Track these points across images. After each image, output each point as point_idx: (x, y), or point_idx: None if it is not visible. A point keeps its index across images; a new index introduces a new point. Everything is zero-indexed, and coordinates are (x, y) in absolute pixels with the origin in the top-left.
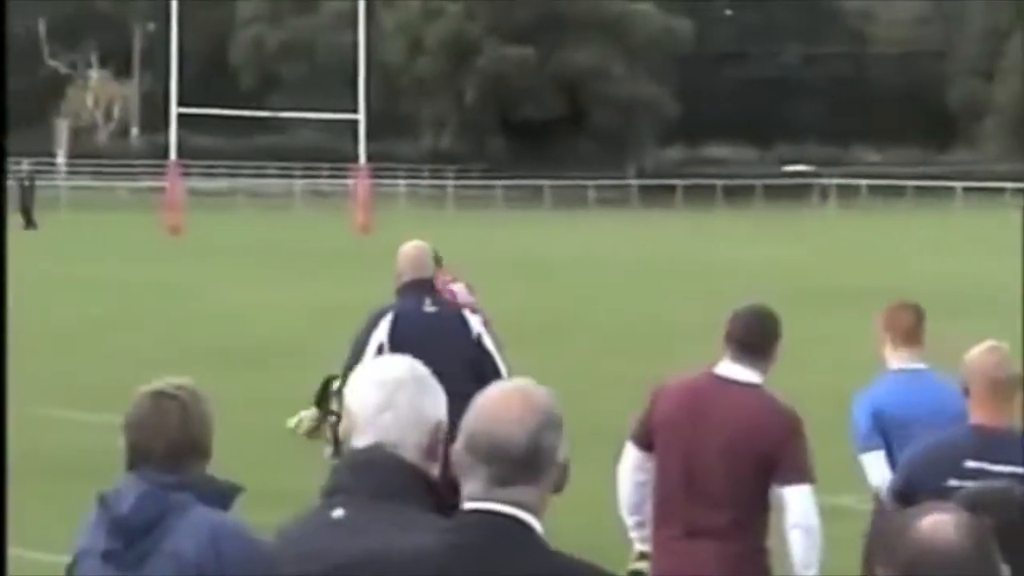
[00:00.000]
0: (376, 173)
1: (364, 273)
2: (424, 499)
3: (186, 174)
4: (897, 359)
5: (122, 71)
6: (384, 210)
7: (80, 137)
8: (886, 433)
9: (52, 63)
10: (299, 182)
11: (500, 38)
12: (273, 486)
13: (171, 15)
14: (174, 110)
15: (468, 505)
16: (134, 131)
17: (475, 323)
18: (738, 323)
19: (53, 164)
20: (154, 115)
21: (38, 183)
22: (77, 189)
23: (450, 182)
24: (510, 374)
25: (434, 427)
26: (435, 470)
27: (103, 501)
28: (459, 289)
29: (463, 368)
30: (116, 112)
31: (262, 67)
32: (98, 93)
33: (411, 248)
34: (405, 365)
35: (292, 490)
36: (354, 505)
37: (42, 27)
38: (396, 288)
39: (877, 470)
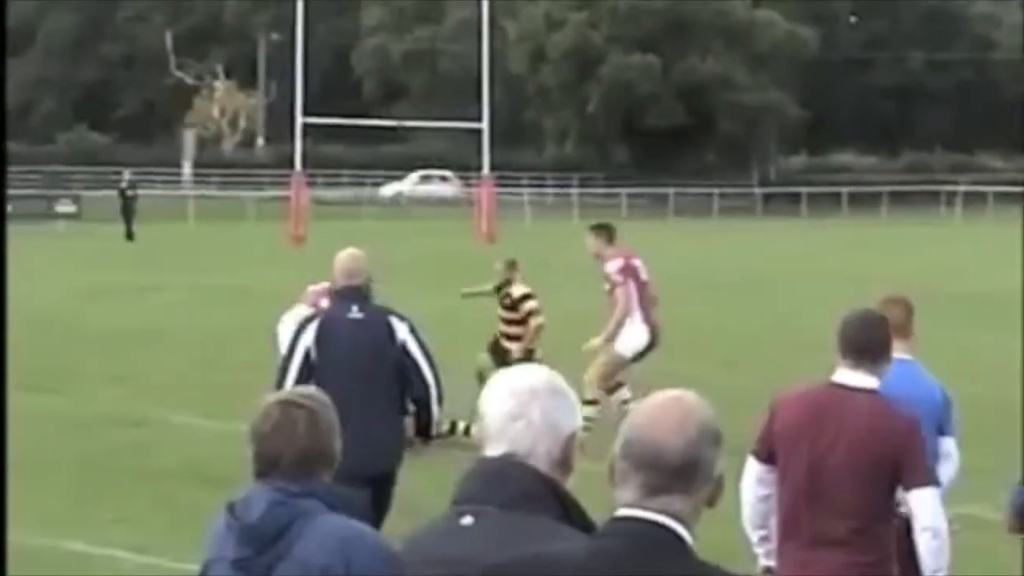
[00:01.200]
0: (500, 182)
1: (488, 282)
2: (554, 508)
3: (311, 183)
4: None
5: (247, 81)
6: (508, 219)
7: (206, 147)
8: None
9: (179, 74)
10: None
11: (623, 46)
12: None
13: (296, 26)
14: (299, 120)
15: (620, 512)
16: (259, 141)
17: (401, 330)
18: (851, 330)
19: (179, 174)
20: (279, 125)
21: (162, 193)
22: (203, 199)
23: (574, 191)
24: (438, 380)
25: (567, 438)
26: (567, 480)
27: (232, 509)
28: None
29: (387, 372)
30: (242, 122)
31: (386, 77)
32: (224, 103)
33: (344, 256)
34: (541, 375)
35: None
36: (483, 514)
37: (169, 39)
38: (330, 294)
39: None
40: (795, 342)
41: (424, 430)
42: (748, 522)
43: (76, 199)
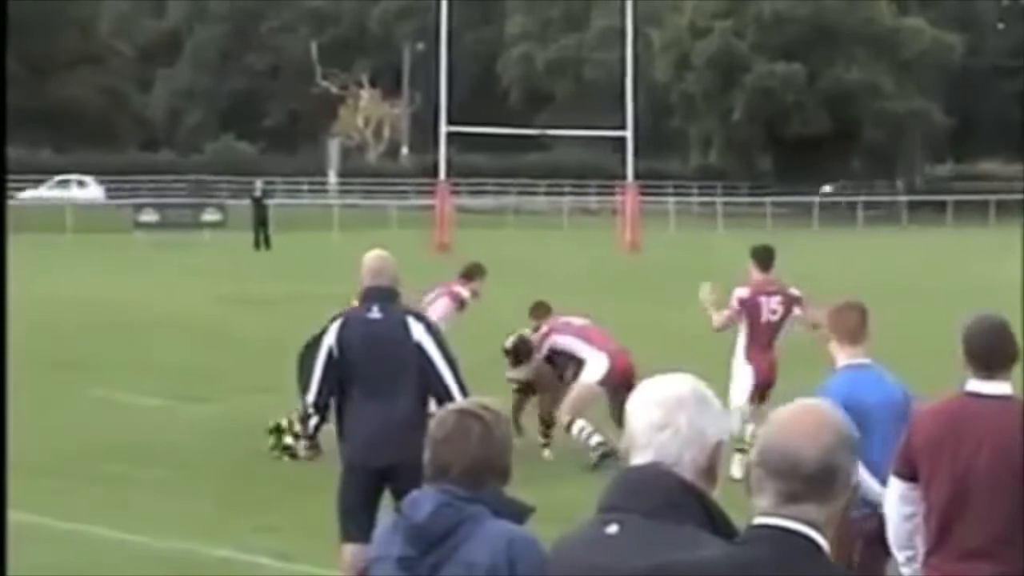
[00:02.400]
0: (644, 190)
1: (632, 291)
2: (699, 517)
3: (455, 192)
4: (844, 356)
5: (392, 91)
6: (652, 227)
7: (351, 156)
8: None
9: (324, 84)
10: (567, 199)
11: (768, 54)
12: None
13: (440, 35)
14: (443, 129)
15: (757, 520)
16: (404, 150)
17: (417, 330)
18: (979, 338)
19: (324, 183)
20: (423, 134)
21: (308, 202)
22: (348, 207)
23: (718, 199)
24: (458, 379)
25: (713, 447)
26: (713, 489)
27: (400, 509)
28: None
29: (404, 372)
30: (386, 131)
31: (530, 85)
32: (369, 113)
33: (370, 257)
34: (687, 384)
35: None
36: (629, 522)
37: (314, 49)
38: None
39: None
40: (940, 352)
41: None
42: (894, 542)
43: (222, 208)
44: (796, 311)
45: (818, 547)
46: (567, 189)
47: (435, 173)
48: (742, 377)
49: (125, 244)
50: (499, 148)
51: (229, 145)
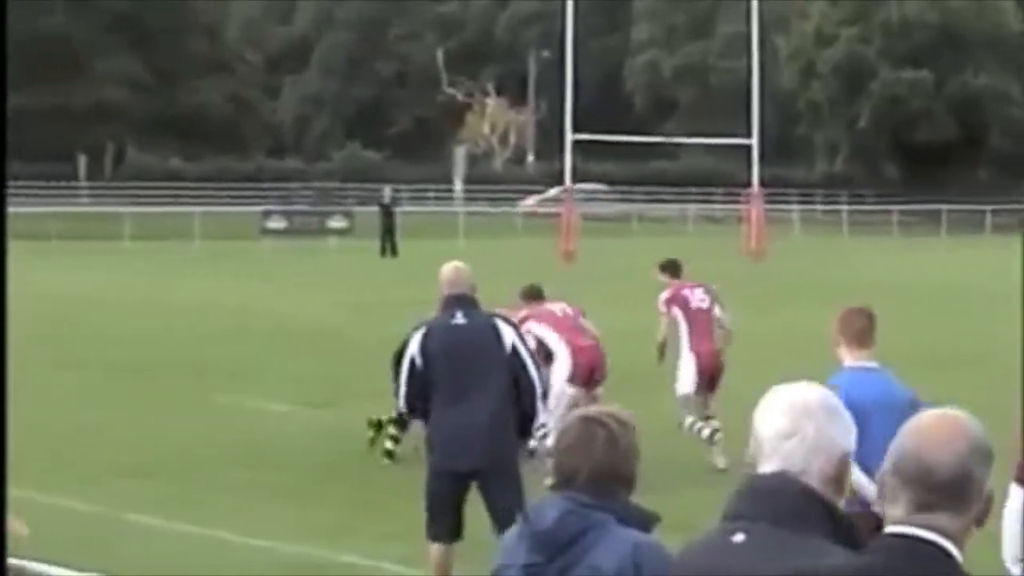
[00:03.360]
0: (769, 198)
1: (757, 299)
2: (827, 527)
3: (580, 200)
4: (851, 358)
5: (518, 98)
6: (778, 235)
7: (477, 163)
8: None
9: (450, 91)
10: (692, 207)
11: (894, 61)
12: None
13: (566, 43)
14: (569, 136)
15: (889, 529)
16: (530, 157)
17: (509, 333)
18: None
19: (450, 190)
20: (549, 141)
21: (434, 209)
22: (473, 215)
23: (844, 207)
24: (544, 385)
25: (841, 456)
26: (841, 500)
27: (526, 517)
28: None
29: (490, 375)
30: (512, 138)
31: (656, 93)
32: (495, 120)
33: (448, 268)
34: (815, 392)
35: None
36: (755, 531)
37: (440, 56)
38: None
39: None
40: None
41: (524, 431)
42: (1009, 553)
43: (349, 215)
44: (717, 310)
45: (950, 557)
46: (692, 197)
47: (561, 180)
48: (686, 367)
49: (252, 251)
50: (625, 156)
51: (356, 152)
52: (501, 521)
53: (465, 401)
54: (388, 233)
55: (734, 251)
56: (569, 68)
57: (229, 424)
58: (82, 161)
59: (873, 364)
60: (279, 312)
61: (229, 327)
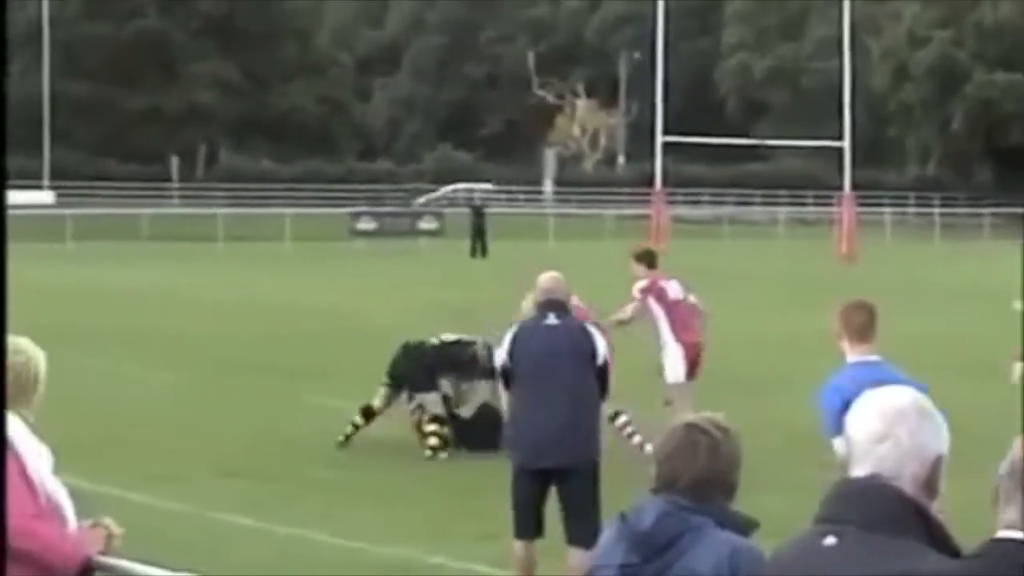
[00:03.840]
0: (861, 201)
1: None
2: (919, 531)
3: (671, 202)
4: (853, 353)
5: (608, 100)
6: (869, 239)
7: (567, 165)
8: None
9: (540, 93)
10: (783, 210)
11: (988, 64)
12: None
13: (657, 45)
14: (659, 138)
15: (1001, 534)
16: (620, 159)
17: (599, 340)
18: None
19: (541, 192)
20: (640, 144)
21: (524, 211)
22: (564, 216)
23: (936, 210)
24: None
25: (934, 460)
26: (933, 503)
27: (624, 518)
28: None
29: (577, 377)
30: (602, 141)
31: (747, 95)
32: (585, 122)
33: (546, 276)
34: (908, 397)
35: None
36: (846, 534)
37: (531, 58)
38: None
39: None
40: None
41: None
42: None
43: (439, 216)
44: (692, 297)
45: None
46: (783, 199)
47: (651, 183)
48: (675, 357)
49: (342, 252)
50: (716, 158)
51: (447, 154)
52: (572, 522)
53: (551, 401)
54: (479, 234)
55: (825, 255)
56: (660, 70)
57: (319, 425)
58: (174, 162)
59: (875, 358)
60: (368, 313)
61: (319, 328)
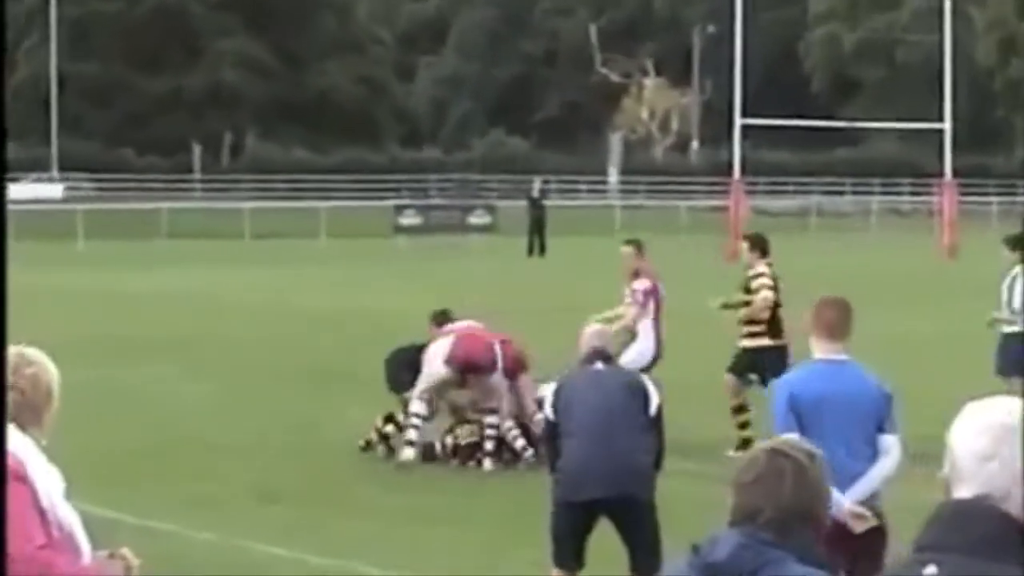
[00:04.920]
0: (964, 189)
1: (950, 301)
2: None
3: (750, 192)
4: (820, 350)
5: (680, 79)
6: (972, 230)
7: (634, 152)
8: (800, 416)
9: (604, 71)
10: (877, 199)
11: None
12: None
13: (735, 16)
14: (737, 121)
15: None
16: (694, 145)
17: (655, 394)
18: None
19: (605, 181)
20: (716, 127)
21: (587, 203)
22: (631, 209)
23: None
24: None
25: None
26: None
27: (696, 550)
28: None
29: (627, 407)
30: (674, 124)
31: (836, 71)
32: (654, 103)
33: (589, 331)
34: (1016, 409)
35: None
36: (947, 562)
37: (593, 33)
38: None
39: None
40: None
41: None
42: None
43: (491, 210)
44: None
45: None
46: (876, 188)
47: (729, 171)
48: (647, 344)
49: (384, 250)
50: (801, 142)
51: (499, 140)
52: (639, 559)
53: (599, 440)
54: (536, 230)
55: (924, 248)
56: (738, 44)
57: (360, 439)
58: (196, 152)
59: (841, 357)
60: (414, 318)
61: (360, 334)
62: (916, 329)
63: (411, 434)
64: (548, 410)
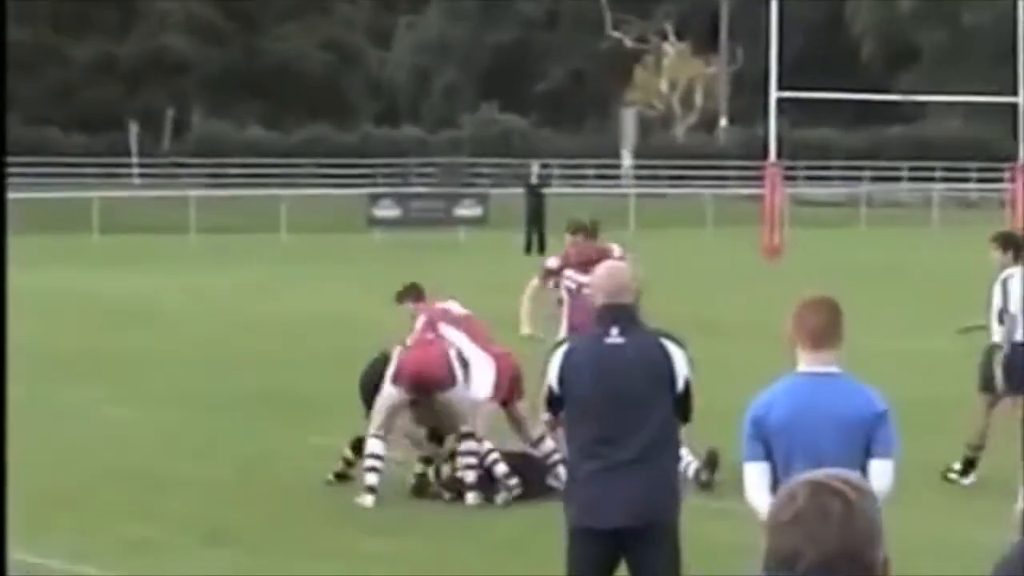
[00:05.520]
0: None
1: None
2: None
3: (789, 178)
4: (803, 362)
5: (705, 45)
6: None
7: (652, 131)
8: (767, 441)
9: (616, 35)
10: (937, 186)
11: None
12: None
13: None
14: (773, 95)
15: None
16: (722, 123)
17: (681, 361)
18: None
19: (617, 166)
20: (748, 101)
21: (595, 191)
22: (648, 198)
23: None
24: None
25: None
26: None
27: None
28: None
29: (651, 411)
30: (698, 98)
31: (889, 36)
32: (674, 74)
33: (603, 269)
34: None
35: None
36: None
37: None
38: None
39: (751, 483)
40: None
41: None
42: None
43: (482, 199)
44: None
45: None
46: (938, 173)
47: (763, 153)
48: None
49: (356, 246)
50: (847, 120)
51: (491, 117)
52: None
53: (615, 442)
54: (535, 223)
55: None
56: (774, 5)
57: (326, 472)
58: (133, 130)
59: (831, 369)
60: (391, 328)
61: (327, 348)
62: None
63: (369, 478)
64: (554, 381)
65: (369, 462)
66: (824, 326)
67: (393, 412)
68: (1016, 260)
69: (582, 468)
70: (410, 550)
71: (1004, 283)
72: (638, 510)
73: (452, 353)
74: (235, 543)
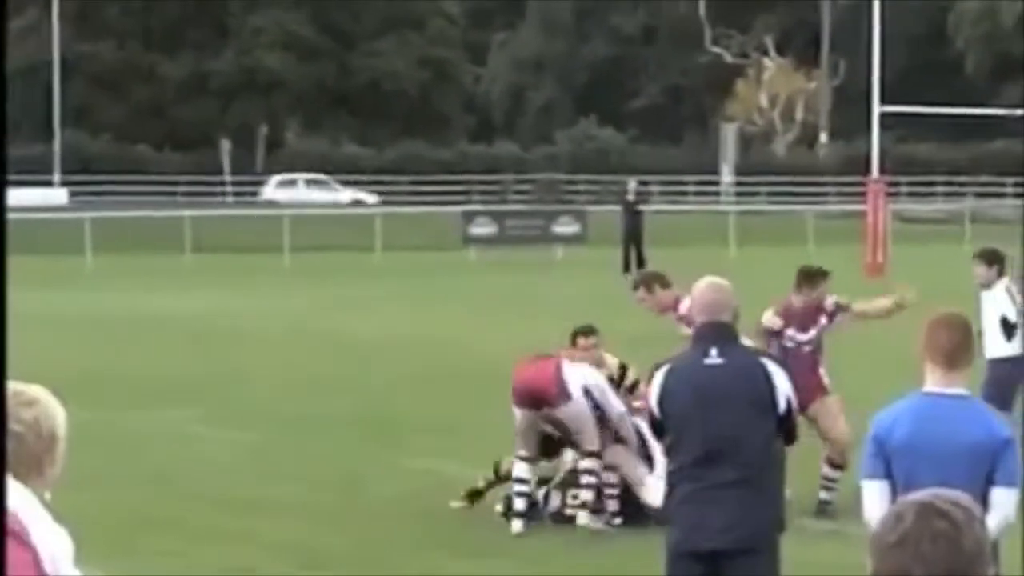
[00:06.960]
0: None
1: None
2: None
3: (892, 194)
4: (931, 381)
5: (807, 59)
6: None
7: (752, 147)
8: (888, 460)
9: (716, 50)
10: None
11: None
12: None
13: None
14: (876, 109)
15: None
16: (823, 138)
17: (784, 382)
18: None
19: (716, 183)
20: (849, 116)
21: (694, 208)
22: (748, 215)
23: None
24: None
25: None
26: None
27: None
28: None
29: (752, 434)
30: (799, 113)
31: (994, 49)
32: (775, 88)
33: (702, 286)
34: None
35: None
36: None
37: (702, 5)
38: None
39: (870, 502)
40: None
41: None
42: None
43: (580, 216)
44: None
45: None
46: None
47: (866, 168)
48: None
49: (451, 265)
50: (951, 134)
51: (588, 133)
52: None
53: (713, 464)
54: (633, 240)
55: None
56: (876, 18)
57: (425, 498)
58: (226, 148)
59: (958, 391)
60: (488, 349)
61: (423, 369)
62: None
63: (517, 504)
64: (653, 405)
65: (516, 487)
66: (957, 345)
67: (525, 432)
68: (1000, 276)
69: (681, 489)
70: (499, 573)
71: (1009, 291)
72: (735, 533)
73: (573, 373)
74: (331, 567)
